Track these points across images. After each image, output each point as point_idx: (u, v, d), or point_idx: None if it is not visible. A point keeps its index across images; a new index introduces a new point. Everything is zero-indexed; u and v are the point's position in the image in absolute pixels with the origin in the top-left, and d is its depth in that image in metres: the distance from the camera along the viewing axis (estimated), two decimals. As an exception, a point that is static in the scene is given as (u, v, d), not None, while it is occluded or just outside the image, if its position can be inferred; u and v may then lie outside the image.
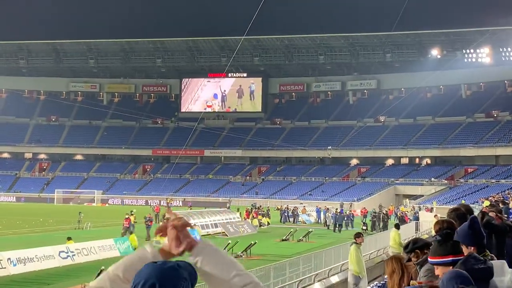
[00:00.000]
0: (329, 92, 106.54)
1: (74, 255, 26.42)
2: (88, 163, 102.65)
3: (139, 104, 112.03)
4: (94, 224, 44.29)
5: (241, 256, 28.04)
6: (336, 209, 51.42)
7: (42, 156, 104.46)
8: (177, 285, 2.13)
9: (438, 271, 3.81)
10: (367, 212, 50.62)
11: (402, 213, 52.81)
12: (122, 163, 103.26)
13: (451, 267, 3.60)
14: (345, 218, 47.09)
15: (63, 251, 26.17)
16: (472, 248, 4.42)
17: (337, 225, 45.22)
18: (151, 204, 66.08)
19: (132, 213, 39.96)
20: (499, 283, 4.02)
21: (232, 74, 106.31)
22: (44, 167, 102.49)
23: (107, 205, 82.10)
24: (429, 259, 4.05)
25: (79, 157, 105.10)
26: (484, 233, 4.65)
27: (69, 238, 27.83)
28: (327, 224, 48.54)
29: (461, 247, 4.45)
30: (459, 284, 3.31)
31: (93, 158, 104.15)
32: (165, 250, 2.35)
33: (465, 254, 4.45)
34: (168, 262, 2.19)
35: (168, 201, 78.37)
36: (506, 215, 11.98)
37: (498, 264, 4.22)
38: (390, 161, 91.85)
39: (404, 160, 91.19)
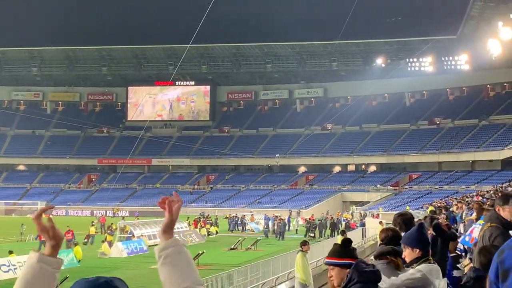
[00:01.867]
0: (276, 100, 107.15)
1: (16, 268, 25.65)
2: (31, 174, 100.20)
3: (84, 112, 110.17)
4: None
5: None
6: (283, 217, 51.72)
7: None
8: None
9: (334, 272, 3.94)
10: (314, 219, 50.98)
11: (345, 219, 53.45)
12: (66, 173, 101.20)
13: (347, 270, 3.79)
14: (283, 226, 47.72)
15: (4, 265, 25.45)
16: (417, 251, 4.51)
17: (280, 233, 45.92)
18: (97, 215, 65.04)
19: (93, 223, 39.20)
20: (437, 284, 4.34)
21: (179, 82, 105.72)
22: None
23: (51, 216, 79.93)
24: (327, 259, 4.23)
25: (21, 167, 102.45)
26: (429, 240, 4.75)
27: (10, 252, 27.03)
28: (275, 232, 48.63)
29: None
30: None
31: (36, 168, 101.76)
32: (49, 252, 2.28)
33: (409, 257, 4.52)
34: (101, 277, 2.16)
35: (114, 211, 77.29)
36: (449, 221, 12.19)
37: (437, 269, 4.42)
38: (337, 168, 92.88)
39: (351, 167, 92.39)
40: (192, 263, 2.36)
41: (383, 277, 4.77)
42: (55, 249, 2.30)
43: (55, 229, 2.33)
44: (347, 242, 4.32)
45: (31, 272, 2.20)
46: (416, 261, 4.50)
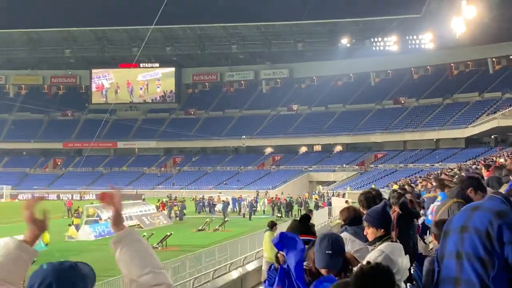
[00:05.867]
0: (242, 82, 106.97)
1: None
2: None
3: (48, 96, 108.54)
4: (4, 220, 42.56)
5: (156, 247, 27.79)
6: (252, 198, 52.05)
7: None
8: (75, 284, 2.12)
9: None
10: (280, 199, 51.41)
11: (303, 198, 54.09)
12: (31, 157, 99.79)
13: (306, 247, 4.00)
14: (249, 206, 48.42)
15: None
16: (382, 230, 4.58)
17: (250, 213, 46.78)
18: (63, 199, 64.43)
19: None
20: (400, 262, 4.38)
21: (144, 64, 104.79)
22: None
23: (16, 200, 79.14)
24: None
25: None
26: (391, 218, 4.85)
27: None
28: (243, 212, 49.04)
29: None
30: None
31: (1, 152, 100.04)
32: (28, 241, 2.32)
33: (372, 236, 4.63)
34: (66, 261, 2.20)
35: (81, 195, 76.67)
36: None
37: (400, 247, 4.52)
38: (303, 149, 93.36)
39: (317, 148, 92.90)
40: (150, 249, 2.39)
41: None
42: (35, 239, 2.34)
43: (46, 222, 2.37)
44: (306, 217, 4.40)
45: (7, 258, 2.22)
46: (379, 239, 4.56)
